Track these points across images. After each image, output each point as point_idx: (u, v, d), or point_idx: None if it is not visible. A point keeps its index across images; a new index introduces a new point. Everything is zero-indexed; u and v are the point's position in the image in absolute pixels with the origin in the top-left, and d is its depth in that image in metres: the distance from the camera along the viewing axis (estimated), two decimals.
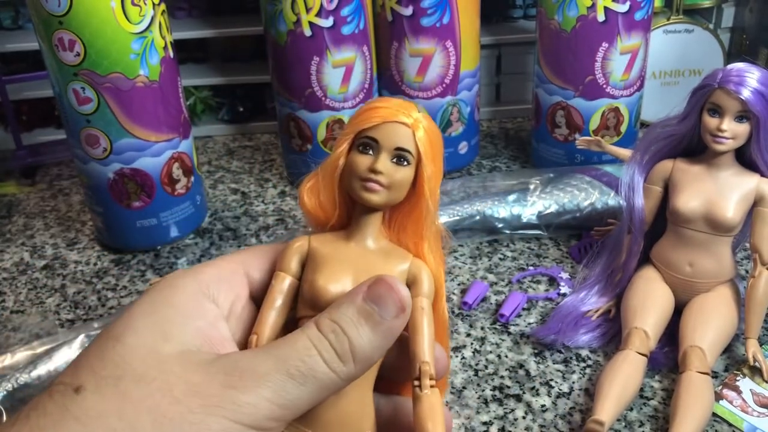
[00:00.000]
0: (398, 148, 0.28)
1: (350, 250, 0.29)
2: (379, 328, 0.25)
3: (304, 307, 0.28)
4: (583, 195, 0.62)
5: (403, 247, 0.30)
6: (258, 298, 0.29)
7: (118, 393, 0.23)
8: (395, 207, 0.29)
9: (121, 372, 0.24)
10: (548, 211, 0.61)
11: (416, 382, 0.27)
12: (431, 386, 0.27)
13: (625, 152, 0.57)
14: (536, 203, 0.62)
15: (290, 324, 0.28)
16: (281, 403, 0.24)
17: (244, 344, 0.28)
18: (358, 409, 0.28)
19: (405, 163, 0.28)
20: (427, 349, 0.28)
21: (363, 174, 0.28)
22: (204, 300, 0.27)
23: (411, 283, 0.29)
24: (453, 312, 0.54)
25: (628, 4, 0.63)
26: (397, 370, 0.29)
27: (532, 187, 0.63)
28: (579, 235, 0.62)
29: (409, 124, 0.28)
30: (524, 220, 0.61)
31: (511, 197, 0.62)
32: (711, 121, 0.46)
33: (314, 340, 0.25)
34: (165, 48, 0.59)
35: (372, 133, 0.28)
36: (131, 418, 0.22)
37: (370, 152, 0.28)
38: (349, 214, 0.30)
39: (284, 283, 0.29)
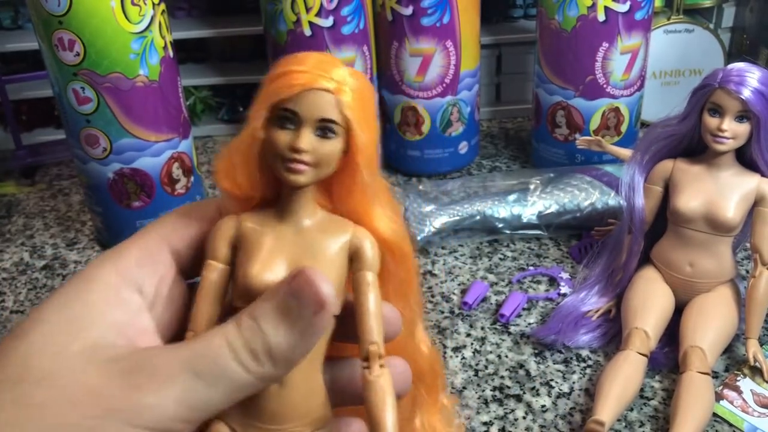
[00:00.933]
0: (322, 119, 0.24)
1: (283, 231, 0.26)
2: (297, 327, 0.23)
3: (238, 297, 0.26)
4: (584, 195, 0.62)
5: (350, 212, 0.27)
6: (187, 272, 0.27)
7: (14, 398, 0.21)
8: (332, 177, 0.26)
9: (21, 374, 0.22)
10: (548, 211, 0.61)
11: (365, 364, 0.25)
12: (381, 366, 0.25)
13: (625, 152, 0.57)
14: (536, 203, 0.62)
15: (228, 313, 0.25)
16: (190, 404, 0.22)
17: (176, 325, 0.26)
18: (305, 394, 0.26)
19: (331, 134, 0.25)
20: (374, 328, 0.25)
21: (284, 153, 0.25)
22: (123, 290, 0.25)
23: (354, 257, 0.26)
24: (453, 312, 0.54)
25: (628, 3, 0.63)
26: (349, 336, 0.26)
27: (532, 187, 0.63)
28: (579, 235, 0.62)
29: (331, 89, 0.24)
30: (524, 220, 0.61)
31: (512, 197, 0.62)
32: (711, 121, 0.46)
33: (230, 338, 0.23)
34: (165, 48, 0.59)
35: (290, 105, 0.24)
36: (23, 427, 0.21)
37: (290, 126, 0.25)
38: (276, 189, 0.26)
39: (215, 272, 0.26)
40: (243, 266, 0.25)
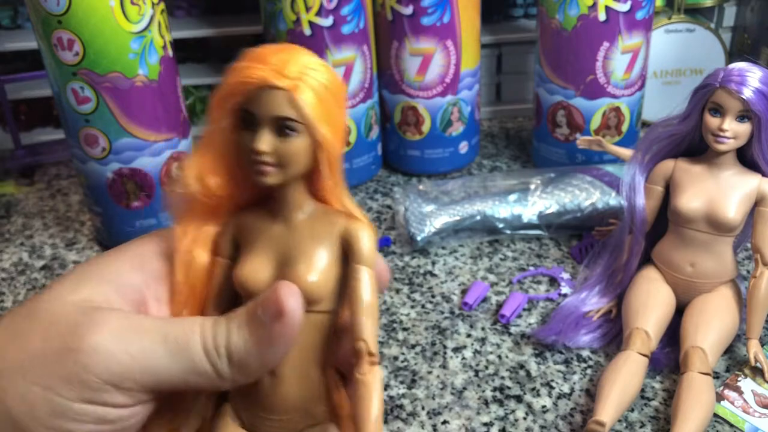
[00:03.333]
0: (278, 118, 0.24)
1: (274, 229, 0.26)
2: (255, 335, 0.24)
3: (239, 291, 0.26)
4: (584, 195, 0.62)
5: (335, 205, 0.27)
6: None
7: (15, 327, 0.24)
8: (311, 172, 0.26)
9: (29, 311, 0.24)
10: (549, 211, 0.61)
11: (354, 361, 0.25)
12: (371, 363, 0.25)
13: (626, 152, 0.57)
14: (537, 203, 0.62)
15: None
16: (145, 365, 0.23)
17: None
18: (298, 389, 0.26)
19: (291, 133, 0.24)
20: (365, 324, 0.25)
21: (249, 155, 0.25)
22: (152, 258, 0.27)
23: (348, 251, 0.26)
24: (453, 312, 0.54)
25: (629, 3, 0.63)
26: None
27: (532, 187, 0.63)
28: (580, 236, 0.62)
29: (285, 87, 0.24)
30: (525, 220, 0.61)
31: (512, 197, 0.62)
32: (712, 121, 0.45)
33: (205, 326, 0.24)
34: (164, 47, 0.58)
35: (247, 106, 0.24)
36: (11, 351, 0.23)
37: (252, 127, 0.24)
38: (256, 187, 0.26)
39: (219, 267, 0.27)
40: (237, 266, 0.26)
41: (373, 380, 0.25)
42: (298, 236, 0.26)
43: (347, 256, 0.26)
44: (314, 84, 0.24)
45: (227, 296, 0.27)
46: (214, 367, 0.24)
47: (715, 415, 0.43)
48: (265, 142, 0.24)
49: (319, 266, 0.25)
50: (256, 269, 0.25)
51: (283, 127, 0.24)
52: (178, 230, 0.27)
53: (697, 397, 0.42)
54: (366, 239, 0.26)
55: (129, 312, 0.25)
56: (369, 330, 0.25)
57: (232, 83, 0.25)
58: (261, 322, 0.23)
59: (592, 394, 0.45)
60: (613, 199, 0.61)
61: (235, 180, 0.26)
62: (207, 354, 0.23)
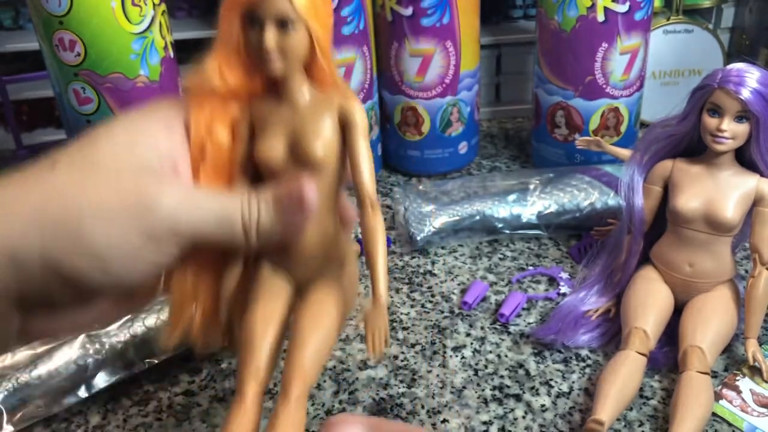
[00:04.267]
0: (278, 18, 0.30)
1: (282, 112, 0.32)
2: (281, 215, 0.30)
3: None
4: (583, 195, 0.62)
5: (330, 86, 0.32)
6: None
7: (83, 173, 0.28)
8: (310, 62, 0.31)
9: (92, 160, 0.28)
10: (548, 211, 0.62)
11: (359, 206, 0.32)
12: (373, 207, 0.31)
13: (624, 152, 0.57)
14: (536, 203, 0.62)
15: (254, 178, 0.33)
16: (190, 214, 0.28)
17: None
18: (321, 240, 0.33)
19: (290, 28, 0.30)
20: (365, 173, 0.31)
21: (257, 50, 0.30)
22: (173, 122, 0.31)
23: (344, 124, 0.32)
24: (453, 312, 0.54)
25: (627, 4, 0.63)
26: None
27: (531, 187, 0.63)
28: (579, 236, 0.62)
29: None
30: (524, 220, 0.62)
31: (511, 197, 0.62)
32: (711, 121, 0.46)
33: (244, 198, 0.30)
34: (165, 48, 0.59)
35: (251, 8, 0.30)
36: (89, 195, 0.27)
37: (257, 27, 0.30)
38: (267, 79, 0.32)
39: (240, 145, 0.32)
40: (255, 145, 0.32)
41: (376, 222, 0.31)
42: (303, 116, 0.32)
43: (344, 126, 0.32)
44: None
45: (248, 171, 0.32)
46: (247, 237, 0.29)
47: (714, 414, 0.43)
48: (270, 37, 0.30)
49: (324, 139, 0.31)
50: (272, 146, 0.31)
51: (283, 23, 0.30)
52: (194, 104, 0.31)
53: (695, 396, 0.42)
54: (359, 112, 0.32)
55: (184, 182, 0.30)
56: (368, 183, 0.31)
57: None
58: (285, 208, 0.29)
59: (591, 393, 0.45)
60: (611, 199, 0.61)
61: (248, 73, 0.32)
62: (243, 227, 0.29)
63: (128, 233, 0.27)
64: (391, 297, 0.56)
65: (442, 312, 0.54)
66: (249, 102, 0.32)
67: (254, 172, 0.32)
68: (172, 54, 0.60)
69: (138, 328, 0.48)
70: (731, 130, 0.45)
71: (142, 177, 0.29)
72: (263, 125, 0.32)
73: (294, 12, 0.30)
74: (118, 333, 0.47)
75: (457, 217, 0.62)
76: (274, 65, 0.30)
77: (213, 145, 0.31)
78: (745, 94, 0.44)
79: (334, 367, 0.49)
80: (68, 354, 0.46)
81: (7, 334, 0.28)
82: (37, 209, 0.27)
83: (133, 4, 0.55)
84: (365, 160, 0.31)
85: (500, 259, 0.60)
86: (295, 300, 0.33)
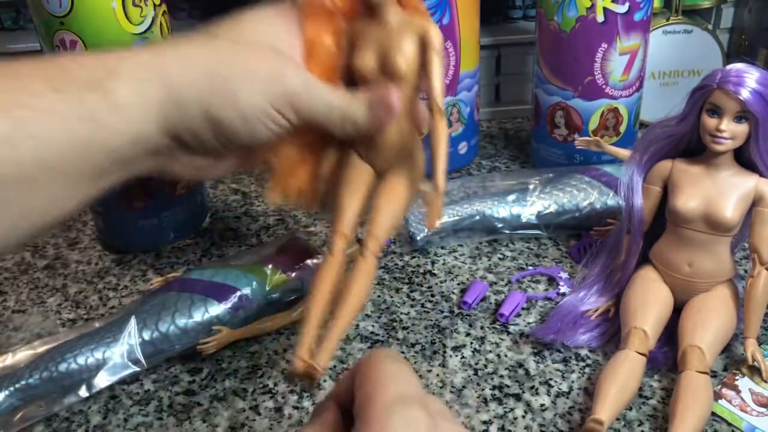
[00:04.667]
0: None
1: (375, 31, 0.39)
2: (372, 114, 0.37)
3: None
4: (583, 195, 0.62)
5: (414, 9, 0.40)
6: None
7: (239, 45, 0.35)
8: None
9: (242, 37, 0.36)
10: (548, 211, 0.62)
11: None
12: (439, 114, 0.38)
13: (624, 152, 0.58)
14: (536, 203, 0.62)
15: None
16: (314, 110, 0.36)
17: None
18: (402, 135, 0.40)
19: None
20: (435, 88, 0.38)
21: None
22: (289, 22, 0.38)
23: (423, 43, 0.38)
24: (453, 311, 0.54)
25: (627, 4, 0.63)
26: None
27: (531, 187, 0.64)
28: (578, 236, 0.62)
29: None
30: (524, 220, 0.62)
31: (511, 197, 0.63)
32: (710, 122, 0.46)
33: (344, 99, 0.37)
34: None
35: None
36: (246, 63, 0.34)
37: None
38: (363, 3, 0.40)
39: (343, 56, 0.40)
40: (353, 56, 0.39)
41: (441, 127, 0.38)
42: (391, 35, 0.39)
43: (423, 45, 0.38)
44: None
45: (345, 76, 0.40)
46: (344, 127, 0.37)
47: (713, 413, 0.43)
48: None
49: (406, 55, 0.38)
50: (366, 57, 0.39)
51: None
52: (308, 12, 0.39)
53: (695, 395, 0.42)
54: (434, 33, 0.38)
55: (306, 71, 0.36)
56: (437, 94, 0.38)
57: None
58: (376, 109, 0.37)
59: (590, 392, 0.46)
60: (611, 199, 0.61)
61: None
62: (343, 118, 0.36)
63: (267, 95, 0.34)
64: (391, 297, 0.56)
65: (442, 312, 0.54)
66: (350, 20, 0.40)
67: (349, 78, 0.40)
68: None
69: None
70: (730, 131, 0.45)
71: (279, 57, 0.35)
72: (359, 40, 0.40)
73: None
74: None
75: (457, 217, 0.62)
76: None
77: (320, 47, 0.39)
78: (745, 94, 0.44)
79: (335, 366, 0.49)
80: (69, 354, 0.46)
81: (170, 168, 0.35)
82: (208, 67, 0.33)
83: (134, 5, 0.55)
84: (437, 75, 0.38)
85: (500, 259, 0.60)
86: (375, 182, 0.41)
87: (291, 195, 0.41)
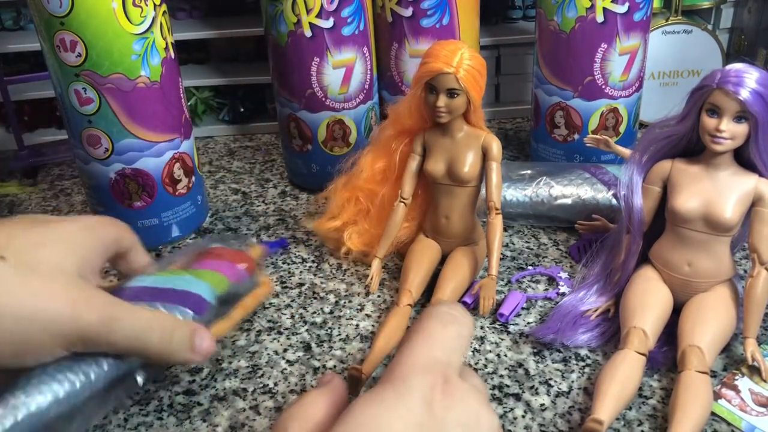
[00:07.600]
0: (449, 89, 0.50)
1: (445, 143, 0.53)
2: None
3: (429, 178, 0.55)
4: (578, 188, 0.62)
5: (478, 126, 0.53)
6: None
7: (25, 274, 0.30)
8: (466, 112, 0.52)
9: (35, 261, 0.31)
10: (541, 201, 0.62)
11: (488, 213, 0.53)
12: (496, 212, 0.52)
13: (630, 152, 0.58)
14: (531, 191, 0.62)
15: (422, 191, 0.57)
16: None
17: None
18: (463, 227, 0.55)
19: (455, 95, 0.50)
20: (494, 192, 0.52)
21: (432, 108, 0.51)
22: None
23: (485, 152, 0.52)
24: None
25: (626, 5, 0.63)
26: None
27: (527, 177, 0.64)
28: (578, 235, 0.62)
29: (451, 72, 0.49)
30: (519, 210, 0.62)
31: (505, 185, 0.63)
32: (710, 122, 0.46)
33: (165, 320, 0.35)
34: (166, 49, 0.59)
35: (431, 82, 0.51)
36: (25, 297, 0.30)
37: (433, 93, 0.51)
38: (429, 121, 0.54)
39: (415, 162, 0.55)
40: (426, 162, 0.54)
41: (497, 223, 0.52)
42: (458, 146, 0.53)
43: (485, 155, 0.53)
44: (467, 67, 0.50)
45: (418, 178, 0.55)
46: (159, 358, 0.34)
47: (713, 413, 0.43)
48: (442, 101, 0.51)
49: (469, 163, 0.52)
50: (437, 164, 0.53)
51: (451, 93, 0.50)
52: (394, 132, 0.56)
53: (694, 395, 0.42)
54: (495, 147, 0.52)
55: (103, 299, 0.33)
56: (495, 196, 0.52)
57: (422, 71, 0.51)
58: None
59: (590, 392, 0.46)
60: (604, 195, 0.61)
61: (423, 120, 0.54)
62: (159, 347, 0.33)
63: (42, 335, 0.30)
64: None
65: None
66: (424, 132, 0.54)
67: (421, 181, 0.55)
68: (173, 55, 0.60)
69: None
70: (730, 131, 0.45)
71: (73, 288, 0.31)
72: (432, 149, 0.53)
73: (459, 86, 0.50)
74: None
75: None
76: (443, 118, 0.51)
77: (400, 161, 0.55)
78: (744, 94, 0.44)
79: (334, 366, 0.49)
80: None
81: None
82: None
83: (134, 5, 0.55)
84: (495, 180, 0.52)
85: (500, 258, 0.60)
86: (441, 258, 0.55)
87: (330, 233, 0.58)
